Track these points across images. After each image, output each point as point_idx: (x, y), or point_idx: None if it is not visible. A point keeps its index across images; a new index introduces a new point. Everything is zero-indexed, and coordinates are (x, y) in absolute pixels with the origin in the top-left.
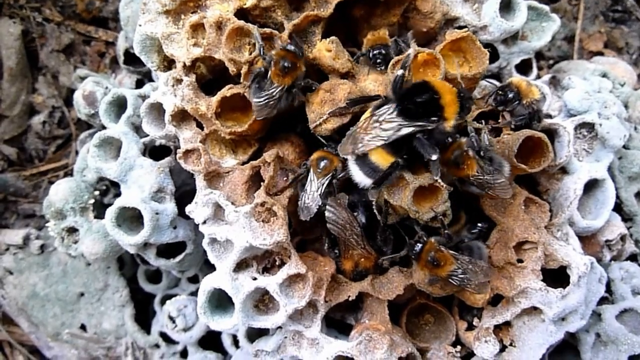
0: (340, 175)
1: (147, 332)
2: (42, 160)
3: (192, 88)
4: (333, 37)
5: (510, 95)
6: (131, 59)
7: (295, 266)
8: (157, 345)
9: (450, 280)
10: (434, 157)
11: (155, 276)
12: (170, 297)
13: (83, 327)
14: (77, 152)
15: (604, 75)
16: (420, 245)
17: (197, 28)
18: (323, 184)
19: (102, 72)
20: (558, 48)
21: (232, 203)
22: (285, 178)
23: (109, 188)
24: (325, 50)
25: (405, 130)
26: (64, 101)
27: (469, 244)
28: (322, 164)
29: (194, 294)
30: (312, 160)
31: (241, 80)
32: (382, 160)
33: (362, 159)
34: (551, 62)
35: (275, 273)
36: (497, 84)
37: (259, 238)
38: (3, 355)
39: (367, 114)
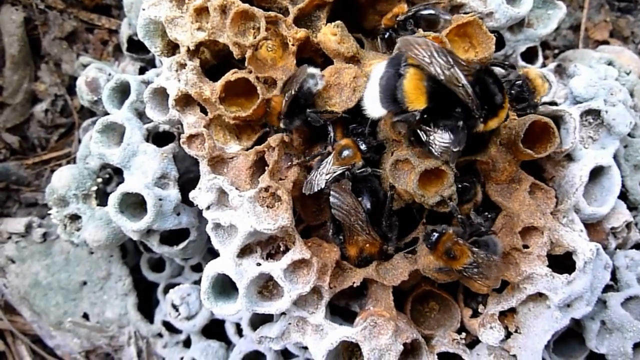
0: (358, 172)
1: (150, 321)
2: (44, 149)
3: (196, 72)
4: (338, 22)
5: (527, 95)
6: (134, 46)
7: (300, 252)
8: (160, 335)
9: (462, 273)
10: (456, 149)
11: (158, 265)
12: (173, 285)
13: (85, 316)
14: (79, 141)
15: (610, 64)
16: (437, 234)
17: (202, 12)
18: (335, 172)
19: (105, 60)
20: (564, 37)
21: (236, 188)
22: (289, 163)
23: (111, 176)
24: (330, 34)
25: (461, 92)
26: (67, 89)
27: (486, 239)
28: (345, 153)
29: (197, 282)
30: (337, 145)
31: (246, 65)
32: (414, 95)
33: (392, 79)
34: (557, 51)
35: (279, 259)
36: (503, 71)
37: (263, 223)
38: (5, 345)
39: (444, 49)
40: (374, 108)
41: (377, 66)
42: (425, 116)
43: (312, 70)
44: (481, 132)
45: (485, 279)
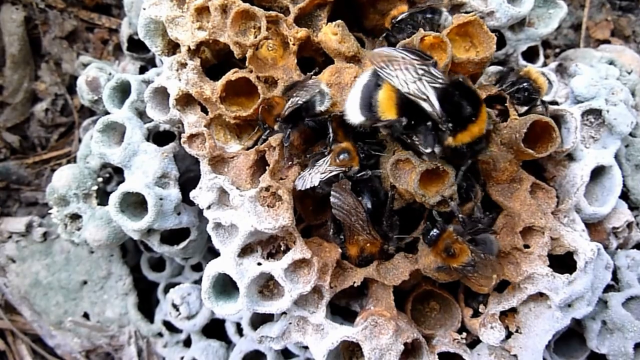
0: (358, 176)
1: (150, 320)
2: (44, 148)
3: (196, 72)
4: (339, 21)
5: (534, 96)
6: (135, 46)
7: (301, 251)
8: (160, 334)
9: (458, 271)
10: (428, 150)
11: (158, 264)
12: (173, 285)
13: (86, 316)
14: (80, 140)
15: (611, 63)
16: (437, 231)
17: (202, 11)
18: (330, 172)
19: (105, 59)
20: (565, 36)
21: (237, 188)
22: (290, 162)
23: (112, 176)
24: (331, 33)
25: (426, 105)
26: (67, 88)
27: (483, 237)
28: (342, 156)
29: (198, 282)
30: (336, 146)
31: (246, 64)
32: (385, 105)
33: (371, 88)
34: (558, 50)
35: (280, 258)
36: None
37: (264, 222)
38: (5, 344)
39: (416, 63)
40: (354, 114)
41: (364, 73)
42: (412, 122)
43: (324, 87)
44: (454, 146)
45: (479, 278)
